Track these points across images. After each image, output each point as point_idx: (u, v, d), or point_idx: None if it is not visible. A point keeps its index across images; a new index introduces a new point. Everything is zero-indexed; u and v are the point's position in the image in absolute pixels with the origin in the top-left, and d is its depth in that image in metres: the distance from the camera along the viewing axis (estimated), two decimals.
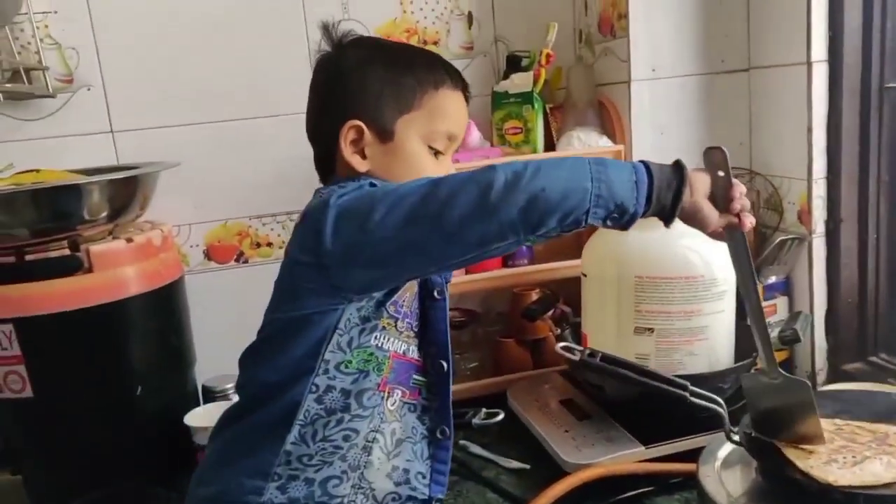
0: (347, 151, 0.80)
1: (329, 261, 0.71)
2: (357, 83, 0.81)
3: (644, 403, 1.00)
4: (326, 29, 0.84)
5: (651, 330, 1.06)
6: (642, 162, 0.69)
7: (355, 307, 0.75)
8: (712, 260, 1.06)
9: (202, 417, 1.14)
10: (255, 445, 0.76)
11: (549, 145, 1.41)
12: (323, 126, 0.83)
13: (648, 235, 1.06)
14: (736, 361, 1.09)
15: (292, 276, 0.77)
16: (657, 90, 1.34)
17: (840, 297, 1.24)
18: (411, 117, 0.81)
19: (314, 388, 0.75)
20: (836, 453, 0.78)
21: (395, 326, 0.79)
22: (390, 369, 0.78)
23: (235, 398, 0.85)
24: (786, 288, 1.30)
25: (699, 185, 0.71)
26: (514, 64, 1.43)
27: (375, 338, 0.77)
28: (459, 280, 1.38)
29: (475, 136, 1.32)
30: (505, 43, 1.50)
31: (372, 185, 0.76)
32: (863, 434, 0.81)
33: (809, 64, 1.19)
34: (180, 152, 1.32)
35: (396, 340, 0.79)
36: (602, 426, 1.07)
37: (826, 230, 1.24)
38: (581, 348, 0.95)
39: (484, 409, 1.16)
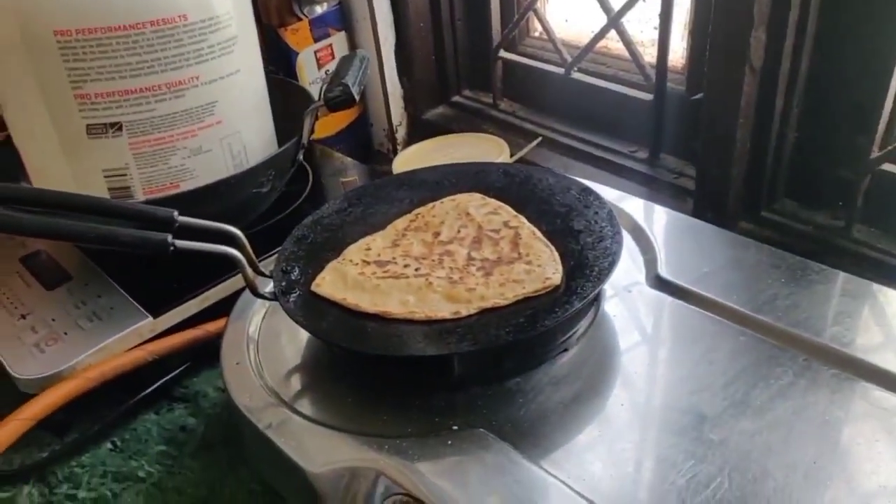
0: None
1: None
2: None
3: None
4: None
5: (117, 126, 0.61)
6: None
7: None
8: None
9: None
10: None
11: None
12: None
13: None
14: (280, 145, 0.72)
15: None
16: None
17: (409, 20, 0.91)
18: None
19: None
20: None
21: None
22: None
23: None
24: (341, 18, 0.93)
25: None
26: None
27: None
28: None
29: None
30: None
31: None
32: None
33: None
34: None
35: None
36: (89, 292, 0.66)
37: None
38: None
39: None
